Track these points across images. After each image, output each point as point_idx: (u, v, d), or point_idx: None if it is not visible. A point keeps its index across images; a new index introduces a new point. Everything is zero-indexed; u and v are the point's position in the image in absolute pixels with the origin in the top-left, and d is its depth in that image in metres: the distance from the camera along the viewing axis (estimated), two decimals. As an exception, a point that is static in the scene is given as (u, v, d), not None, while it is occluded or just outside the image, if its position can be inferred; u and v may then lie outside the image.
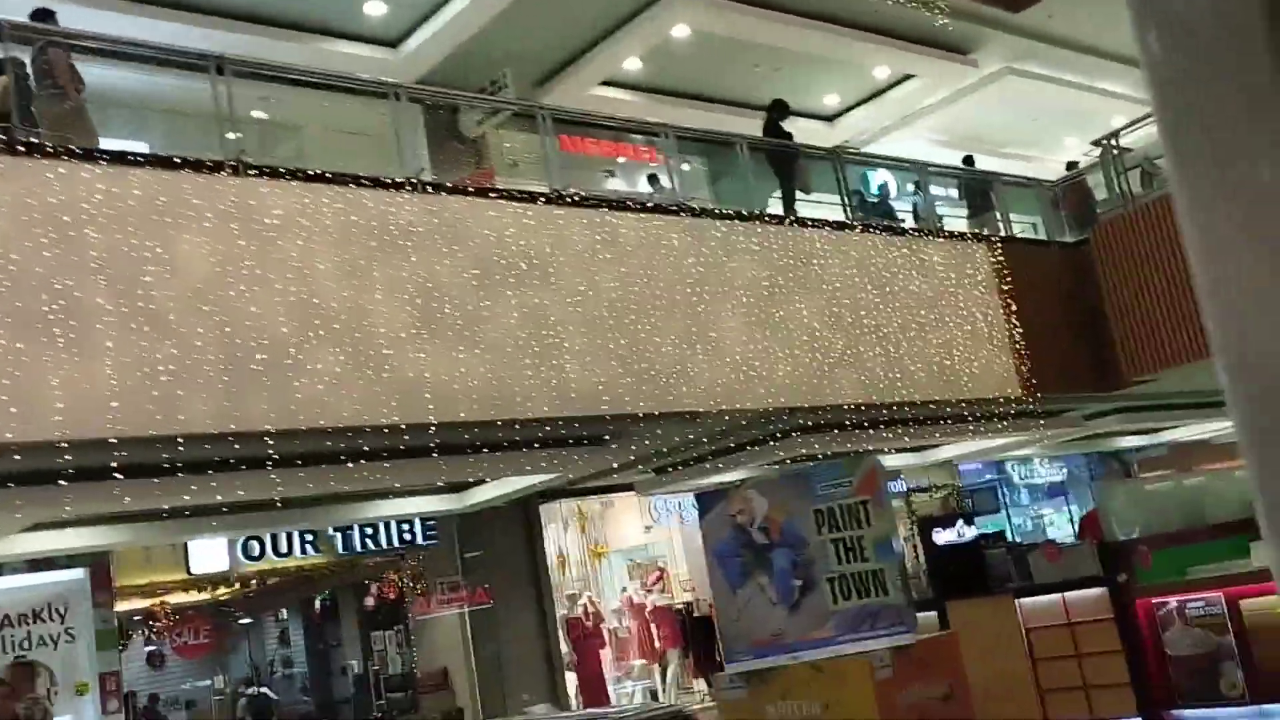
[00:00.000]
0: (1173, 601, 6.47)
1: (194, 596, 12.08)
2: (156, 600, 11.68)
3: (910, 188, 13.14)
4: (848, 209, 11.57)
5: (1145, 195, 12.24)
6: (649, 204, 9.92)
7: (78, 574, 10.09)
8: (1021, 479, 18.43)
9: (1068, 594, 6.87)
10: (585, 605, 12.87)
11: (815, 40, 13.54)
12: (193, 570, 10.59)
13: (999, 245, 12.60)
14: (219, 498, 7.52)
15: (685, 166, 14.53)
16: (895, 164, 13.64)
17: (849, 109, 15.87)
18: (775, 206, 11.77)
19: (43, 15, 8.02)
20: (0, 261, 6.25)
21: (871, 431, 11.34)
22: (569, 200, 9.32)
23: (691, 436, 10.06)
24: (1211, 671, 6.31)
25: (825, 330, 10.76)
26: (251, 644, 16.50)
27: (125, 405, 6.44)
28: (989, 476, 18.37)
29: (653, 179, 11.15)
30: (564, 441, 9.01)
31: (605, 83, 13.70)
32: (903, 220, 12.91)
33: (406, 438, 7.98)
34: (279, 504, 9.55)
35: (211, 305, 7.07)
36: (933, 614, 7.50)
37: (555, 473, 9.93)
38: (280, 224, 7.58)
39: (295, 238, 7.60)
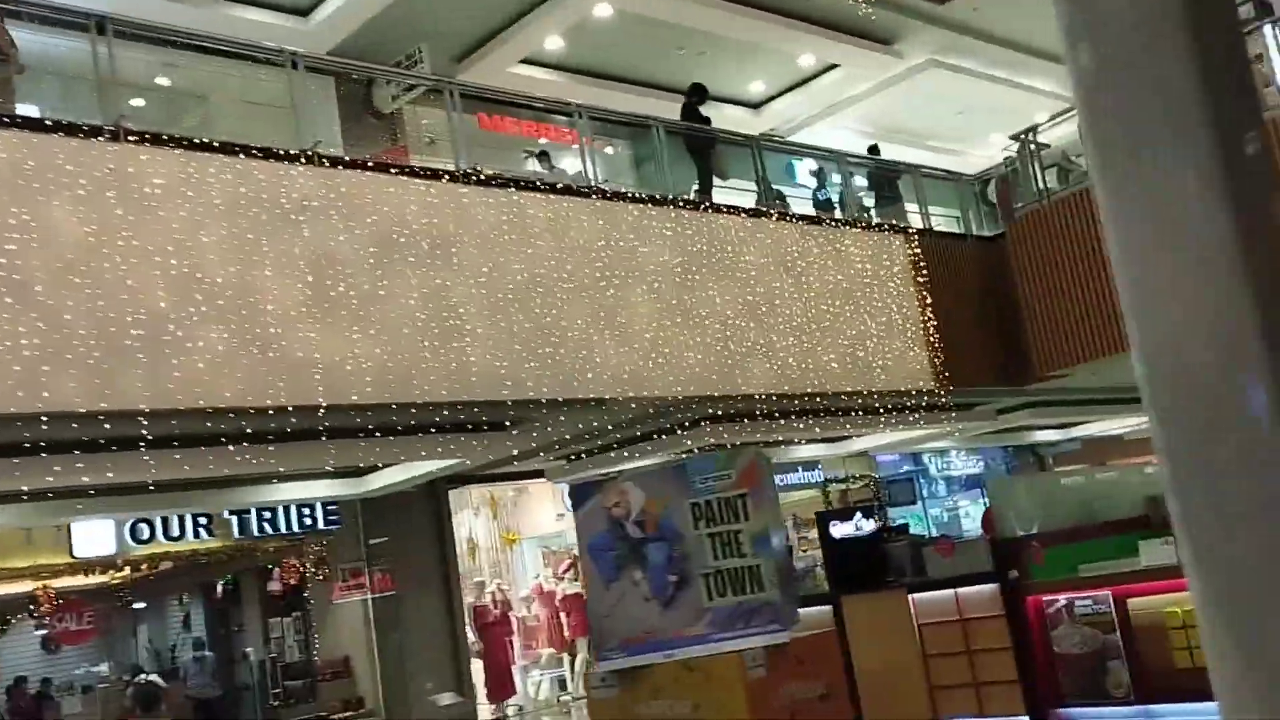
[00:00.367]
0: (1062, 599, 6.44)
1: (82, 580, 11.63)
2: (40, 584, 11.22)
3: (835, 179, 13.06)
4: (761, 195, 11.42)
5: (1061, 190, 12.28)
6: (559, 185, 9.68)
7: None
8: (939, 471, 18.55)
9: (960, 590, 6.81)
10: (493, 593, 12.65)
11: (739, 25, 13.40)
12: (76, 553, 10.17)
13: (916, 238, 12.58)
14: (85, 479, 7.17)
15: (609, 150, 14.33)
16: (813, 153, 13.56)
17: (774, 97, 15.76)
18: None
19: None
20: None
21: (783, 422, 11.26)
22: (475, 179, 9.06)
23: (596, 424, 9.86)
24: (1098, 670, 6.28)
25: (738, 318, 10.64)
26: (151, 630, 16.00)
27: (-19, 380, 6.09)
28: (907, 468, 18.45)
29: (543, 156, 10.87)
30: (463, 427, 8.77)
31: (525, 61, 13.43)
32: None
33: (294, 420, 7.69)
34: (178, 485, 9.21)
35: (83, 277, 6.72)
36: (828, 608, 7.41)
37: (454, 459, 9.69)
38: (162, 194, 7.24)
39: (178, 209, 7.27)
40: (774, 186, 11.55)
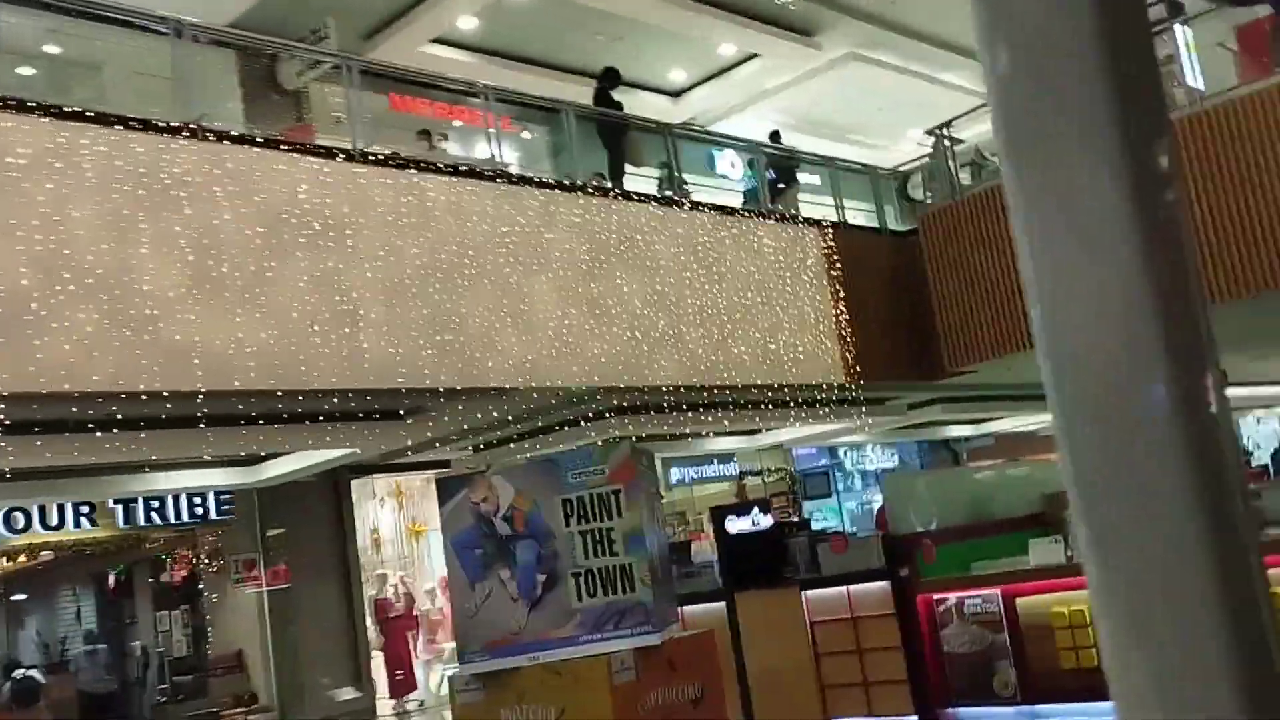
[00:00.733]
0: (952, 598, 6.36)
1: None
2: (-92, 575, 10.67)
3: (745, 169, 12.94)
4: (662, 181, 11.24)
5: (973, 187, 12.30)
6: (461, 167, 9.40)
7: None
8: (854, 465, 18.60)
9: (853, 587, 6.71)
10: (396, 586, 12.34)
11: (659, 11, 13.20)
12: (-57, 544, 9.68)
13: (830, 231, 12.52)
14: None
15: (526, 135, 14.04)
16: (727, 142, 13.42)
17: (694, 85, 15.60)
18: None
19: None
20: None
21: (691, 414, 11.12)
22: (372, 159, 8.75)
23: (496, 414, 9.62)
24: (986, 670, 6.22)
25: (647, 309, 10.46)
26: (40, 622, 15.36)
27: None
28: (823, 462, 18.47)
29: (423, 134, 10.55)
30: (354, 416, 8.46)
31: (437, 40, 13.09)
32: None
33: (169, 406, 7.33)
34: (54, 473, 8.78)
35: (-64, 252, 6.32)
36: (721, 605, 7.27)
37: (345, 449, 9.38)
38: (27, 165, 6.84)
39: (45, 181, 6.87)
40: (682, 174, 11.33)
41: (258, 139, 8.13)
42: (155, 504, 10.61)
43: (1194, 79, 10.63)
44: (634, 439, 11.59)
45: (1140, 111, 0.88)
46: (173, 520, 10.81)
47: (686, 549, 8.18)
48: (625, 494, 4.56)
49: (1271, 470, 9.75)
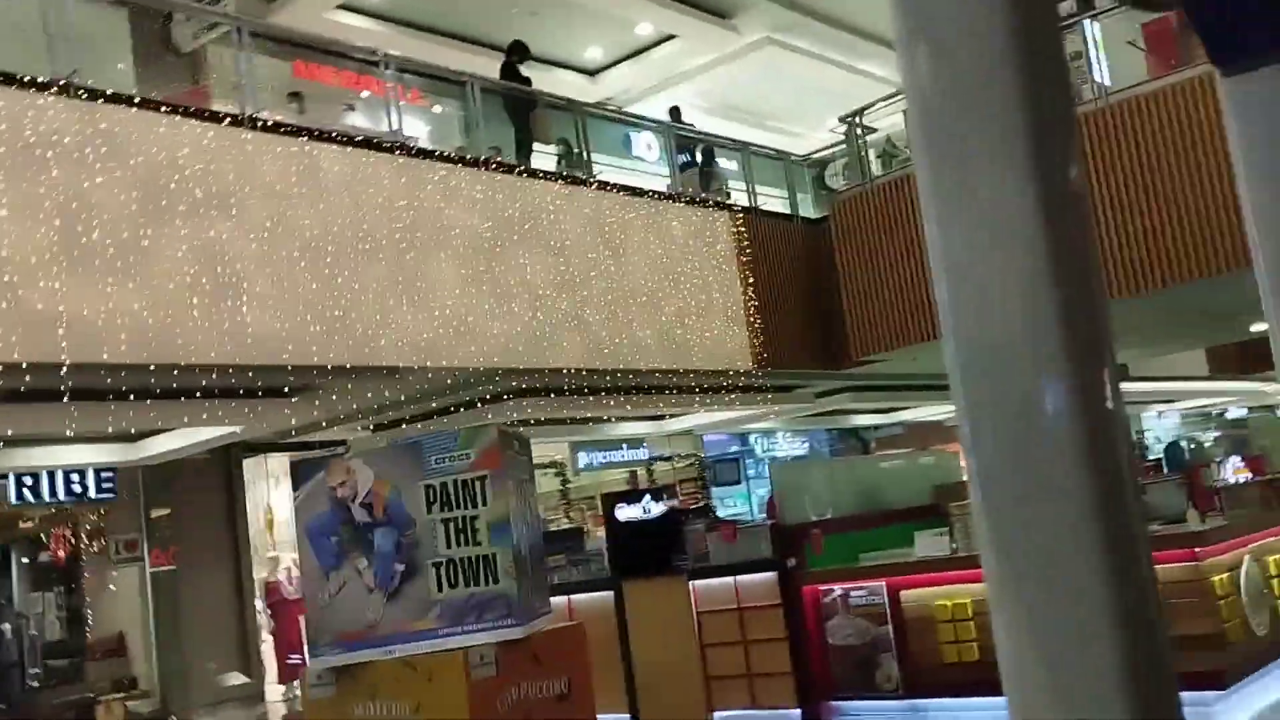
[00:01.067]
0: (838, 589, 6.28)
1: None
2: None
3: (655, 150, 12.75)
4: (560, 158, 11.02)
5: (883, 175, 12.27)
6: (358, 138, 9.07)
7: None
8: (764, 451, 18.59)
9: (740, 577, 6.59)
10: (288, 568, 11.97)
11: (574, -14, 12.93)
12: None
13: (741, 216, 12.40)
14: None
15: (437, 109, 13.66)
16: (638, 122, 13.22)
17: (611, 65, 15.36)
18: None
19: None
20: None
21: (593, 398, 10.94)
22: (262, 125, 8.38)
23: (389, 395, 9.32)
24: (869, 663, 6.15)
25: (549, 289, 10.24)
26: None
27: None
28: (734, 449, 18.44)
29: (294, 95, 10.18)
30: (235, 392, 8.11)
31: (343, 7, 12.66)
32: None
33: (29, 378, 6.93)
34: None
35: None
36: (609, 594, 7.11)
37: (226, 427, 9.01)
38: None
39: (-109, 135, 6.42)
40: (589, 153, 11.10)
41: (135, 98, 7.71)
42: (29, 481, 10.11)
43: (1101, 75, 10.71)
44: (532, 421, 11.40)
45: (1048, 110, 0.88)
46: (48, 498, 10.32)
47: (580, 536, 7.99)
48: (491, 481, 4.34)
49: (1165, 465, 9.94)
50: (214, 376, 7.92)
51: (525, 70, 11.25)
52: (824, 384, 13.89)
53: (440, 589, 4.37)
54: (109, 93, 7.60)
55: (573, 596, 7.36)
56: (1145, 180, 9.96)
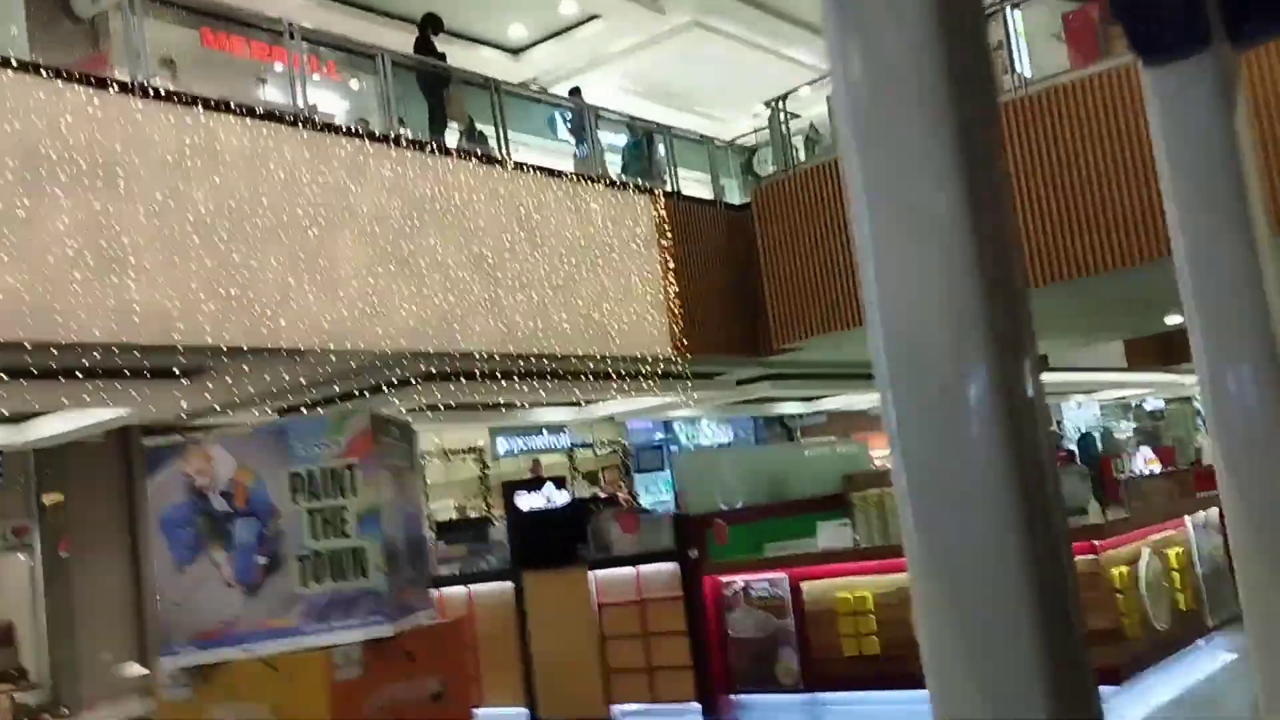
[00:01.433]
0: (739, 581, 6.13)
1: None
2: None
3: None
4: (463, 134, 10.73)
5: (806, 162, 12.15)
6: (259, 110, 8.70)
7: None
8: (689, 439, 18.45)
9: (642, 568, 6.41)
10: (190, 556, 11.56)
11: (495, -39, 12.60)
12: None
13: (662, 199, 12.21)
14: None
15: (354, 84, 13.25)
16: (556, 102, 12.96)
17: (535, 44, 15.04)
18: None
19: None
20: None
21: (506, 384, 10.68)
22: (154, 93, 7.98)
23: (289, 378, 8.99)
24: (769, 656, 6.01)
25: (462, 271, 9.96)
26: None
27: None
28: (658, 436, 18.27)
29: (168, 63, 9.78)
30: (121, 373, 7.74)
31: (254, -26, 12.15)
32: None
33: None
34: None
35: None
36: (509, 585, 6.89)
37: (112, 409, 8.62)
38: None
39: None
40: (506, 132, 10.83)
41: (12, 61, 7.29)
42: (-97, 463, 9.60)
43: (1021, 65, 10.69)
44: (443, 406, 11.12)
45: (973, 99, 0.89)
46: (-75, 482, 9.81)
47: (485, 525, 7.76)
48: (362, 469, 4.10)
49: (1078, 456, 9.97)
50: (97, 356, 7.54)
51: (442, 45, 10.92)
52: (745, 371, 13.77)
53: (305, 584, 4.13)
54: (-18, 55, 7.18)
55: (472, 587, 7.15)
56: (1064, 170, 9.95)
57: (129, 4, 8.38)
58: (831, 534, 5.94)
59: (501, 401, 11.31)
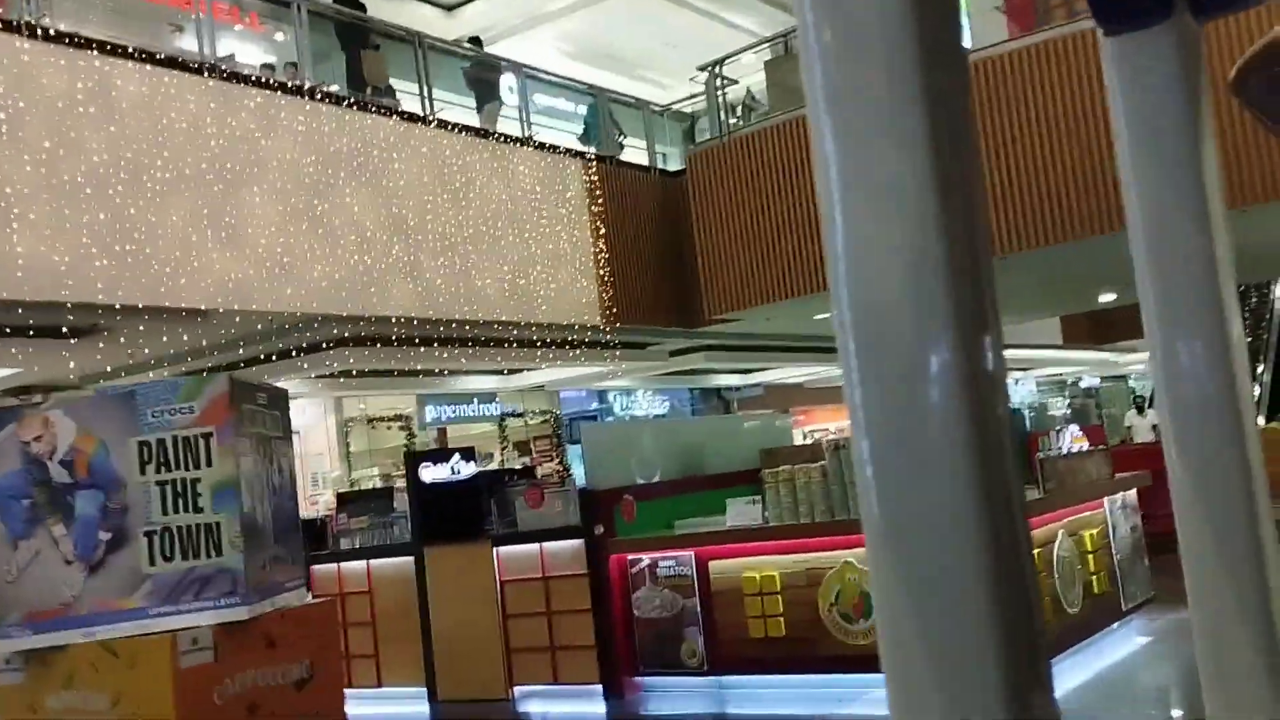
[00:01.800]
0: (646, 559, 5.89)
1: None
2: None
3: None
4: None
5: (741, 128, 11.87)
6: (161, 56, 8.23)
7: None
8: (623, 410, 18.22)
9: (547, 544, 6.15)
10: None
11: (426, -89, 12.13)
12: None
13: (594, 164, 11.89)
14: None
15: (279, 37, 12.73)
16: (490, 61, 12.55)
17: (469, 0, 14.59)
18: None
19: None
20: None
21: (425, 349, 10.34)
22: (43, 34, 7.50)
23: (191, 340, 8.58)
24: (675, 637, 5.79)
25: (380, 231, 9.58)
26: None
27: None
28: (593, 406, 18.01)
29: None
30: (3, 331, 7.30)
31: (168, -84, 11.59)
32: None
33: None
34: None
35: None
36: (410, 560, 6.60)
37: (-5, 369, 8.17)
38: None
39: None
40: (430, 91, 10.43)
41: (-120, -7, 6.78)
42: None
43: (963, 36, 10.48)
44: (356, 372, 10.75)
45: (941, 66, 0.88)
46: None
47: (389, 496, 7.45)
48: (218, 438, 3.73)
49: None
50: (-26, 312, 7.11)
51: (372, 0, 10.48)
52: (678, 342, 13.53)
53: (153, 562, 3.80)
54: None
55: (372, 562, 6.85)
56: (996, 143, 9.77)
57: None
58: (741, 511, 5.71)
59: (420, 368, 10.96)
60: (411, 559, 6.59)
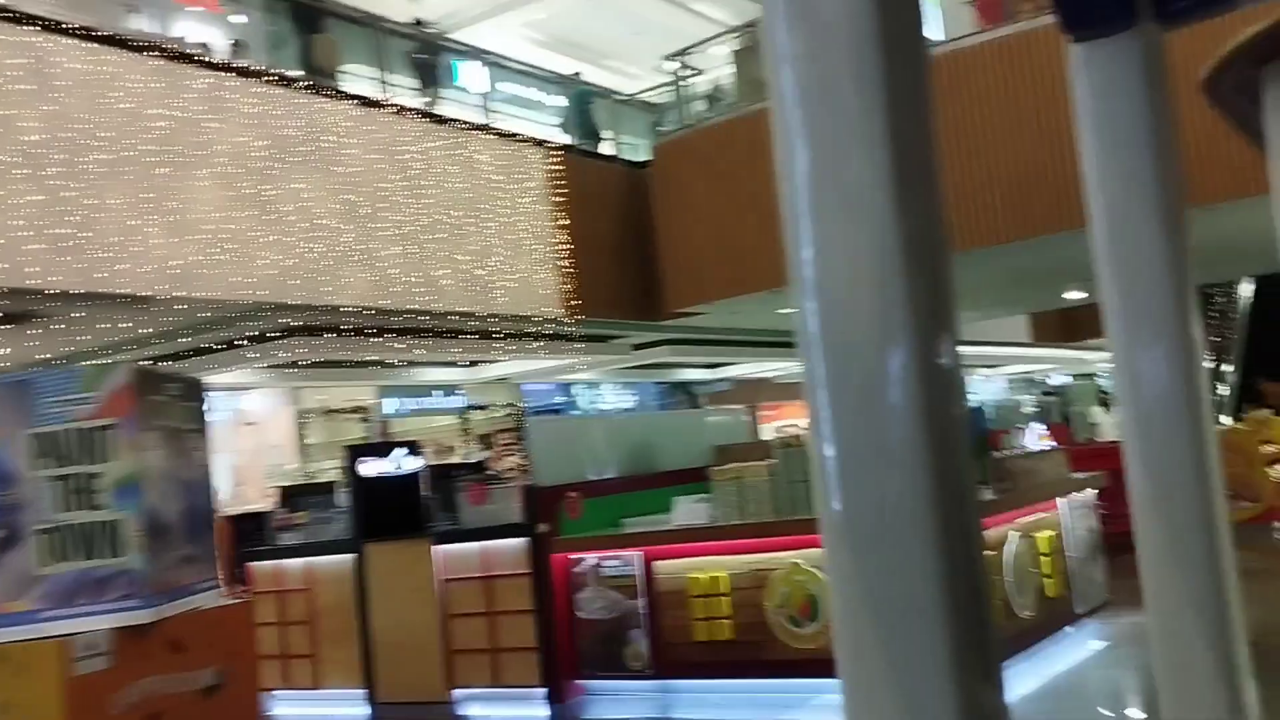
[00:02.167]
0: (591, 558, 5.71)
1: None
2: None
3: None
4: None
5: (706, 120, 11.69)
6: (103, 34, 7.96)
7: None
8: (589, 404, 18.02)
9: (489, 542, 5.96)
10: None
11: (387, -108, 11.85)
12: None
13: (557, 153, 11.67)
14: None
15: (239, 19, 12.44)
16: (436, 43, 12.31)
17: (434, -16, 14.30)
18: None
19: None
20: None
21: (379, 340, 10.11)
22: (-25, 9, 7.23)
23: (131, 328, 8.32)
24: (619, 639, 5.61)
25: (332, 219, 9.35)
26: None
27: None
28: (558, 399, 17.80)
29: None
30: (-72, 315, 7.03)
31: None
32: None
33: None
34: None
35: None
36: (349, 558, 6.39)
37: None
38: None
39: None
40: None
41: None
42: None
43: (930, 28, 10.34)
44: (302, 363, 10.51)
45: (904, 65, 0.89)
46: None
47: (331, 491, 7.23)
48: (121, 431, 3.53)
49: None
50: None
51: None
52: (642, 335, 13.34)
53: (46, 562, 3.59)
54: None
55: (311, 560, 6.63)
56: (957, 137, 9.63)
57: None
58: (688, 510, 5.54)
59: (372, 359, 10.73)
60: (351, 557, 6.38)
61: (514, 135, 11.28)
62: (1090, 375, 25.74)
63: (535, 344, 11.75)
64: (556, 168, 11.60)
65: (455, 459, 14.19)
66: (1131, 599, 6.60)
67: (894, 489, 0.85)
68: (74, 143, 7.60)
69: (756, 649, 5.27)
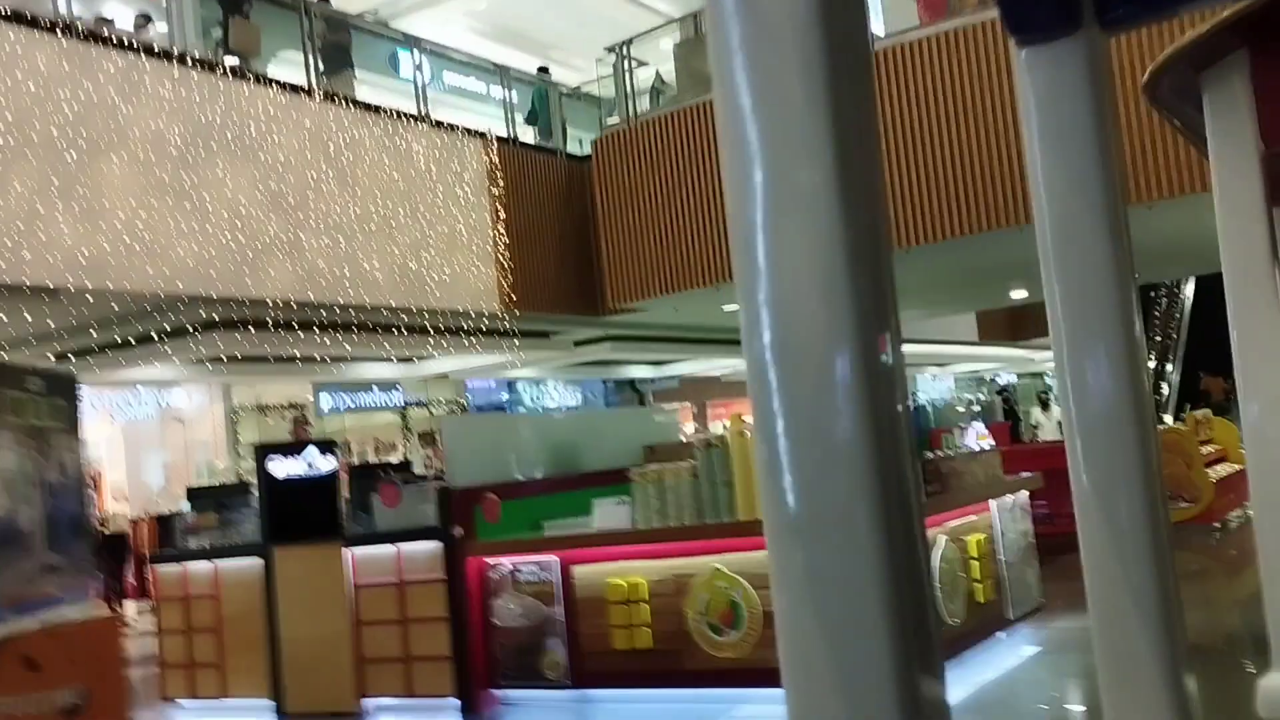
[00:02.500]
0: (507, 563, 5.46)
1: None
2: None
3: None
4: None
5: (649, 113, 11.46)
6: (6, 11, 7.58)
7: None
8: (534, 400, 17.76)
9: (403, 546, 5.70)
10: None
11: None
12: None
13: (496, 145, 11.40)
14: None
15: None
16: (388, 36, 11.99)
17: (373, -30, 13.94)
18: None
19: None
20: None
21: (304, 335, 9.78)
22: None
23: (37, 322, 7.95)
24: (535, 648, 5.38)
25: (255, 209, 9.01)
26: None
27: None
28: (502, 396, 17.52)
29: None
30: None
31: None
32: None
33: None
34: None
35: None
36: (258, 562, 6.10)
37: None
38: None
39: None
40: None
41: None
42: None
43: (873, 23, 10.19)
44: (227, 358, 10.17)
45: (847, 59, 0.89)
46: None
47: (245, 492, 6.92)
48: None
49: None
50: None
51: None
52: (584, 332, 13.10)
53: (-117, 573, 3.31)
54: None
55: (218, 563, 6.33)
56: (902, 132, 9.48)
57: None
58: (608, 513, 5.31)
59: (302, 354, 10.40)
60: (260, 560, 6.09)
61: (451, 126, 10.98)
62: (1039, 375, 25.86)
63: (471, 340, 11.46)
64: (494, 160, 11.33)
65: (395, 458, 13.89)
66: (1067, 603, 6.46)
67: (837, 488, 0.84)
68: (-28, 125, 7.23)
69: (677, 658, 5.06)
